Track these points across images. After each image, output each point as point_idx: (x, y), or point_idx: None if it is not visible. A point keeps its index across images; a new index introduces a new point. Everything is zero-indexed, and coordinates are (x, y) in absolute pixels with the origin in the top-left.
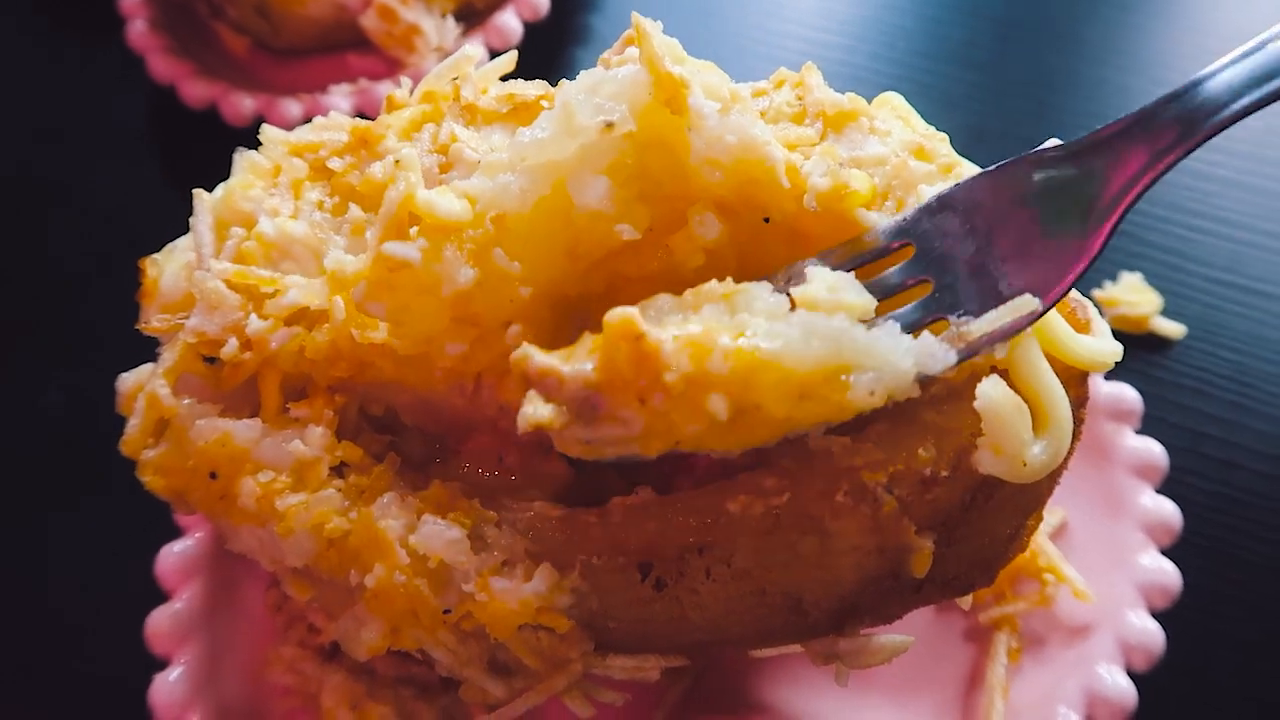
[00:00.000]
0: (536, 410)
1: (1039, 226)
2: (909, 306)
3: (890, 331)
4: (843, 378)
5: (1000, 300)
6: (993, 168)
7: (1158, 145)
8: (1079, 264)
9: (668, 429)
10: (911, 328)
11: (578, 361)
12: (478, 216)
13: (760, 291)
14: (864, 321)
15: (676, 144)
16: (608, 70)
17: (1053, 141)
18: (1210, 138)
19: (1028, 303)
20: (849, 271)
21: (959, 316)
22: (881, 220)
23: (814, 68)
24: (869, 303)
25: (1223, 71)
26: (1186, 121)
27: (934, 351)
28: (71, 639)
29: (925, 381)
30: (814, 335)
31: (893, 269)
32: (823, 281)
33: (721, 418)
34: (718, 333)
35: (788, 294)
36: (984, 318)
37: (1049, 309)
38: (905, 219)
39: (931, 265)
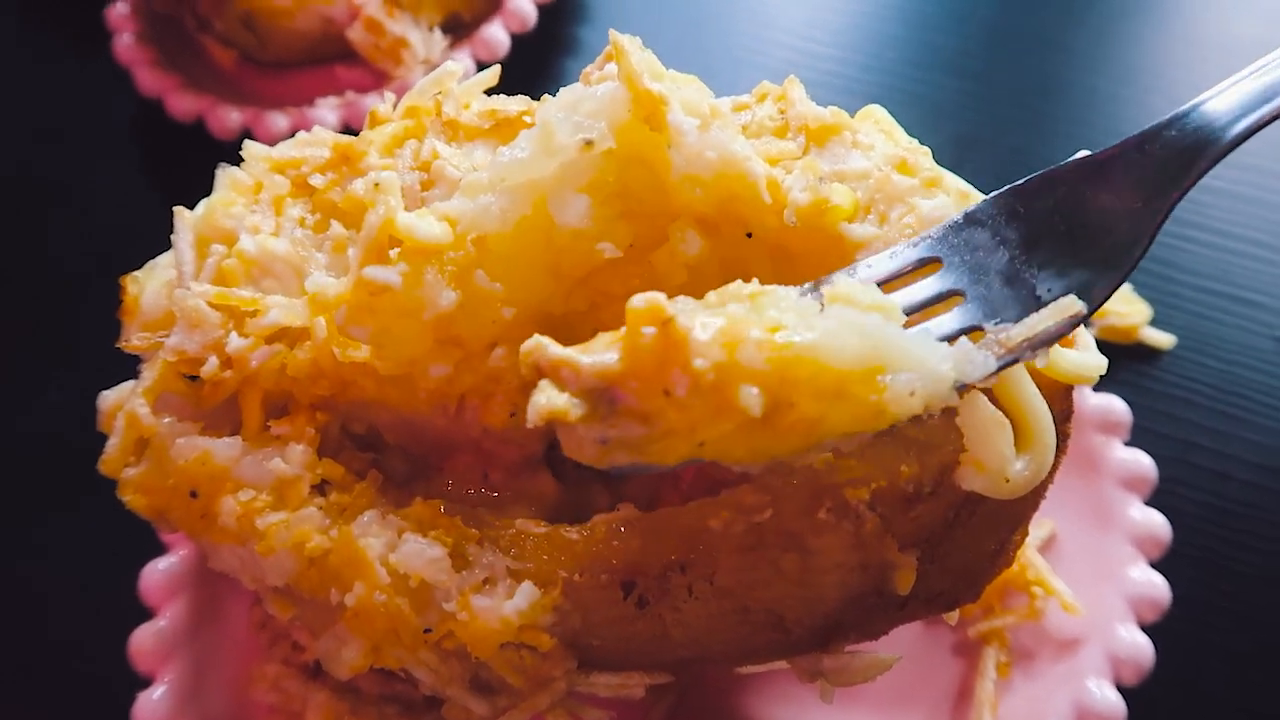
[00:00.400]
0: (550, 399)
1: (1074, 238)
2: (942, 316)
3: (927, 335)
4: (880, 378)
5: (1037, 306)
6: (1019, 182)
7: (1171, 169)
8: (1121, 271)
9: (691, 429)
10: (946, 338)
11: (597, 353)
12: (458, 238)
13: (788, 293)
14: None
15: (656, 161)
16: (587, 87)
17: (1082, 153)
18: (1230, 151)
19: (1071, 304)
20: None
21: (996, 324)
22: (865, 231)
23: (796, 81)
24: (899, 310)
25: (1233, 88)
26: (1195, 143)
27: (973, 357)
28: (71, 639)
29: (963, 390)
30: (851, 330)
31: (921, 282)
32: (852, 286)
33: (754, 412)
34: (749, 325)
35: (819, 299)
36: (1024, 322)
37: (1094, 311)
38: (931, 235)
39: (962, 277)
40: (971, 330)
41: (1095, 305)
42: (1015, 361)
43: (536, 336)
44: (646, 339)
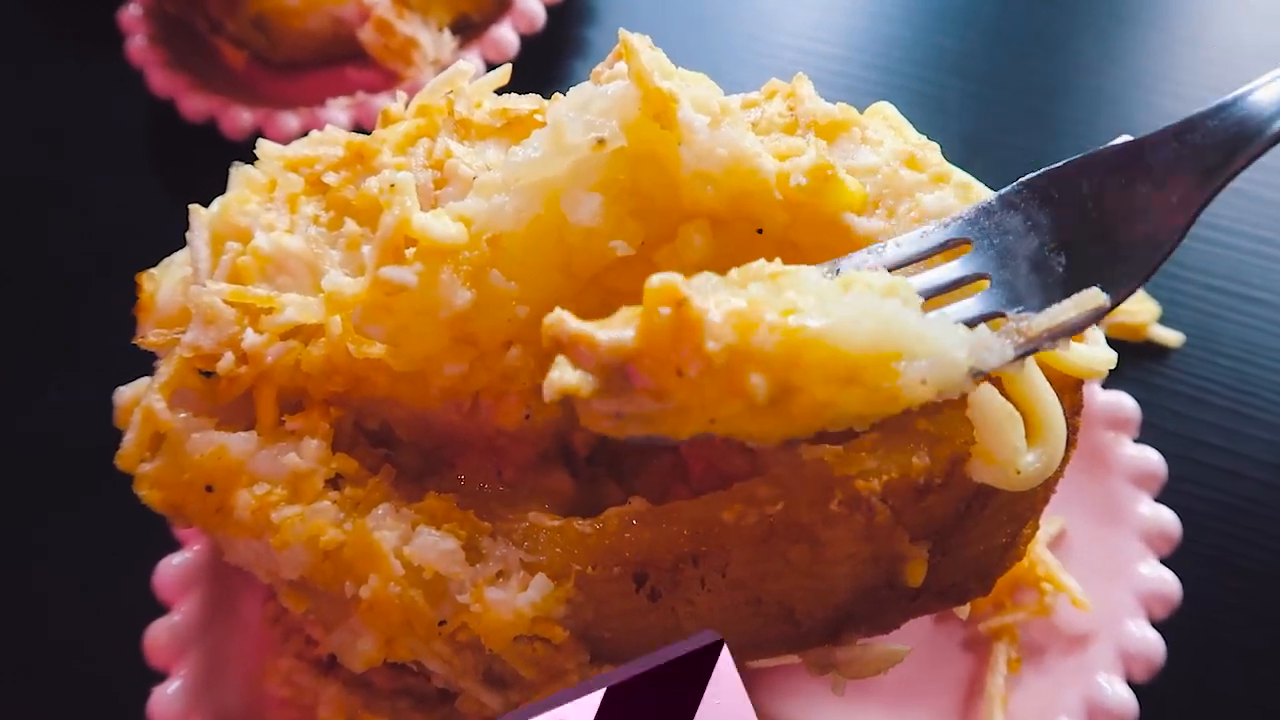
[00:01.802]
0: (564, 375)
1: (1105, 226)
2: (965, 301)
3: (945, 321)
4: (893, 364)
5: (1063, 295)
6: (1057, 165)
7: (1211, 159)
8: (1151, 263)
9: (702, 407)
10: (967, 322)
11: (614, 330)
12: (473, 238)
13: (810, 274)
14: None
15: (667, 158)
16: (598, 86)
17: (1123, 137)
18: (1271, 145)
19: (1095, 297)
20: (902, 266)
21: (1018, 312)
22: (873, 225)
23: (805, 78)
24: (915, 293)
25: (1270, 85)
26: (1236, 135)
27: (990, 344)
28: (71, 640)
29: (979, 377)
30: (865, 316)
31: (947, 265)
32: (866, 271)
33: (760, 399)
34: (765, 307)
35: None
36: (1046, 312)
37: (1117, 305)
38: (962, 216)
39: (989, 260)
40: (993, 316)
41: (1119, 299)
42: (1034, 351)
43: (558, 310)
44: (662, 319)
